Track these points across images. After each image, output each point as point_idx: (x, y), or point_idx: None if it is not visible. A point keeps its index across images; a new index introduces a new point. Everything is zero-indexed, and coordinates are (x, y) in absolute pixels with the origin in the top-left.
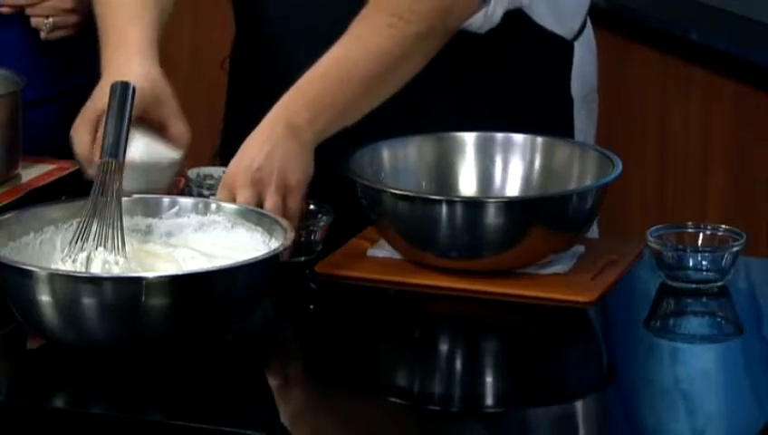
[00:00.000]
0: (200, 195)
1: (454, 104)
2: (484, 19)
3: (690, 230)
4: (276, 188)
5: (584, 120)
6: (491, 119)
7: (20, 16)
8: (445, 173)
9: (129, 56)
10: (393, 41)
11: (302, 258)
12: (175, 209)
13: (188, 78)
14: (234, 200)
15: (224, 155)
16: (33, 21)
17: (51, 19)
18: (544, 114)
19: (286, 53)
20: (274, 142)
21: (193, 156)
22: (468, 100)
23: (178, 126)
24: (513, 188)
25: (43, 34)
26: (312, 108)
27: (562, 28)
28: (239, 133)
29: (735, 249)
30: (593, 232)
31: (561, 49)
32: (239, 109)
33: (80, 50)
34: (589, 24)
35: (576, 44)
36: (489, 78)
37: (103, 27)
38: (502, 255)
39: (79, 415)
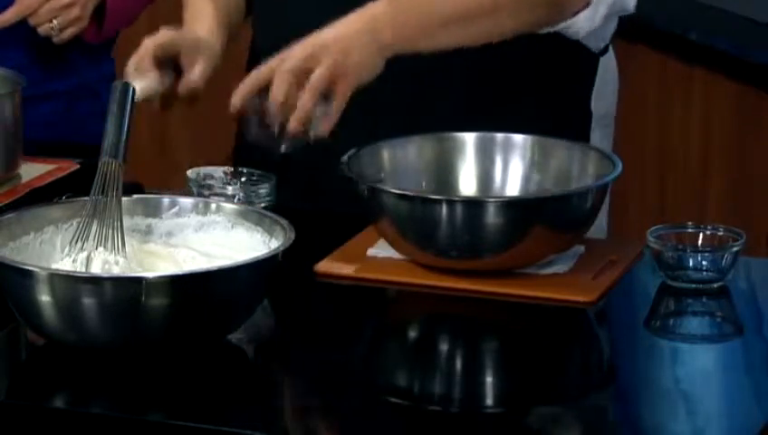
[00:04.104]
0: (200, 195)
1: (466, 105)
2: (586, 22)
3: (690, 230)
4: (331, 65)
5: (598, 142)
6: (505, 122)
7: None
8: (445, 173)
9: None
10: None
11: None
12: (175, 209)
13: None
14: (272, 73)
15: (237, 157)
16: (41, 29)
17: (55, 21)
18: (560, 124)
19: None
20: (351, 39)
21: (205, 160)
22: (483, 102)
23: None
24: (513, 188)
25: (55, 39)
26: (398, 29)
27: (593, 41)
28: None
29: (735, 249)
30: (601, 230)
31: (587, 61)
32: None
33: (70, 51)
34: (611, 50)
35: (600, 60)
36: (510, 83)
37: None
38: (502, 255)
39: (79, 415)
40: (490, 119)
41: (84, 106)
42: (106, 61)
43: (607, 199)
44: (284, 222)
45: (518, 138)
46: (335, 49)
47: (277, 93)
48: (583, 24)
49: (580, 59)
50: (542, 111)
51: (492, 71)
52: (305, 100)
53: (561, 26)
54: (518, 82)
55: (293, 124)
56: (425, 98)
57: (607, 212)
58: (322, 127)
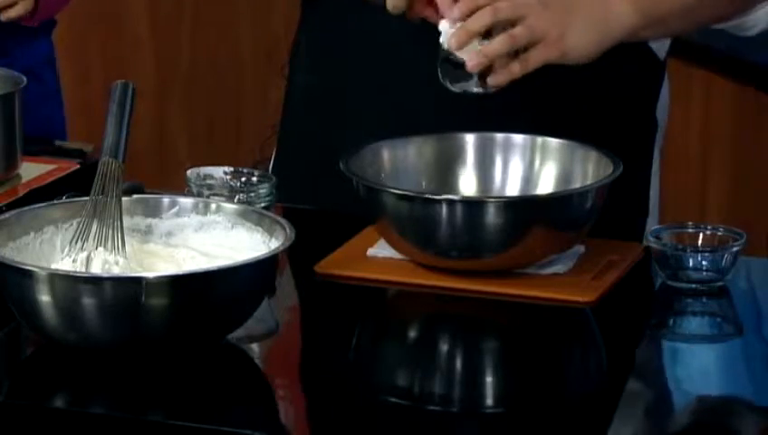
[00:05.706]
0: (200, 195)
1: (532, 112)
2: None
3: (690, 230)
4: (536, 30)
5: (657, 153)
6: (568, 130)
7: None
8: (445, 173)
9: None
10: None
11: None
12: (175, 209)
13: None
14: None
15: (279, 160)
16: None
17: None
18: (625, 133)
19: (354, 62)
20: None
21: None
22: (550, 109)
23: None
24: (513, 188)
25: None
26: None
27: (660, 46)
28: (297, 142)
29: (735, 249)
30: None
31: (654, 68)
32: (297, 117)
33: (4, 36)
34: None
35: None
36: (574, 88)
37: None
38: (502, 255)
39: (79, 415)
40: (553, 125)
41: (28, 90)
42: (44, 44)
43: (657, 190)
44: (284, 222)
45: (518, 138)
46: (554, 18)
47: (472, 24)
48: (762, 18)
49: (648, 66)
50: (608, 120)
51: (557, 77)
52: (494, 44)
53: (736, 21)
54: (584, 88)
55: (472, 61)
56: (484, 102)
57: (657, 205)
58: (497, 79)
